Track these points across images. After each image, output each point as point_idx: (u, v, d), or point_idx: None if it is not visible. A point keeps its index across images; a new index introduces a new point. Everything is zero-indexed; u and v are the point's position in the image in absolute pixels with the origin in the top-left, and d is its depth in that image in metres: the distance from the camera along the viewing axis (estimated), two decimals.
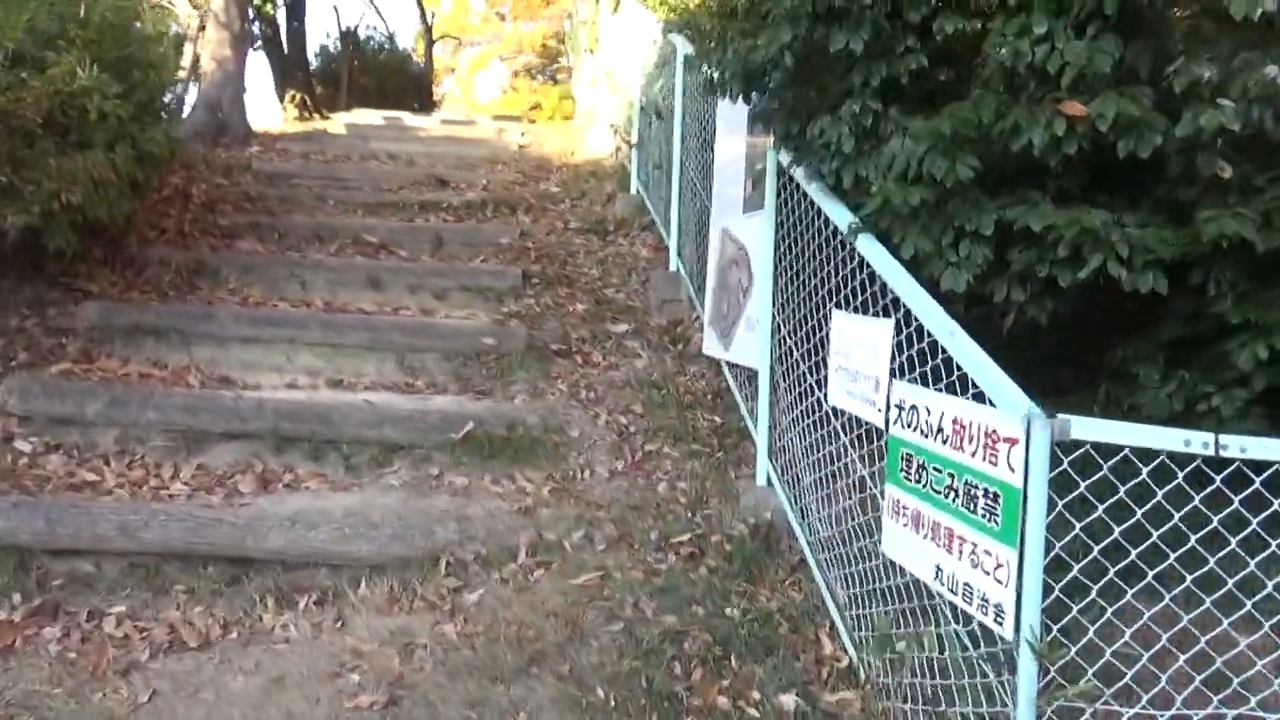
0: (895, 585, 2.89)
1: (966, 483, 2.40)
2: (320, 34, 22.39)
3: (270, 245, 6.47)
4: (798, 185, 3.78)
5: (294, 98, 13.03)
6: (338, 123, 11.60)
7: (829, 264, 3.45)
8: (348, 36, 15.93)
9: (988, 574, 2.31)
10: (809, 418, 3.65)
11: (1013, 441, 2.20)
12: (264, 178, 8.07)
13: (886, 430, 2.88)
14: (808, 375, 3.66)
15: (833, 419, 3.41)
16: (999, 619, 2.25)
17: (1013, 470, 2.20)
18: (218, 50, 8.83)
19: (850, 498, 3.26)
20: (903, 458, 2.75)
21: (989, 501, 2.30)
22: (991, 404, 2.35)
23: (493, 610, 3.38)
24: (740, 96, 3.74)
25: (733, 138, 4.72)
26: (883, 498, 2.87)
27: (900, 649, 2.80)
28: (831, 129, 3.26)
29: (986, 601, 2.31)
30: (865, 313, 3.11)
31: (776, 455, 4.10)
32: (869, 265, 3.09)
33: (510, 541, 3.74)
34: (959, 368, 2.52)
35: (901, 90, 3.22)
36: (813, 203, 3.60)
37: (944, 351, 2.60)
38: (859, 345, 3.11)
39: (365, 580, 3.58)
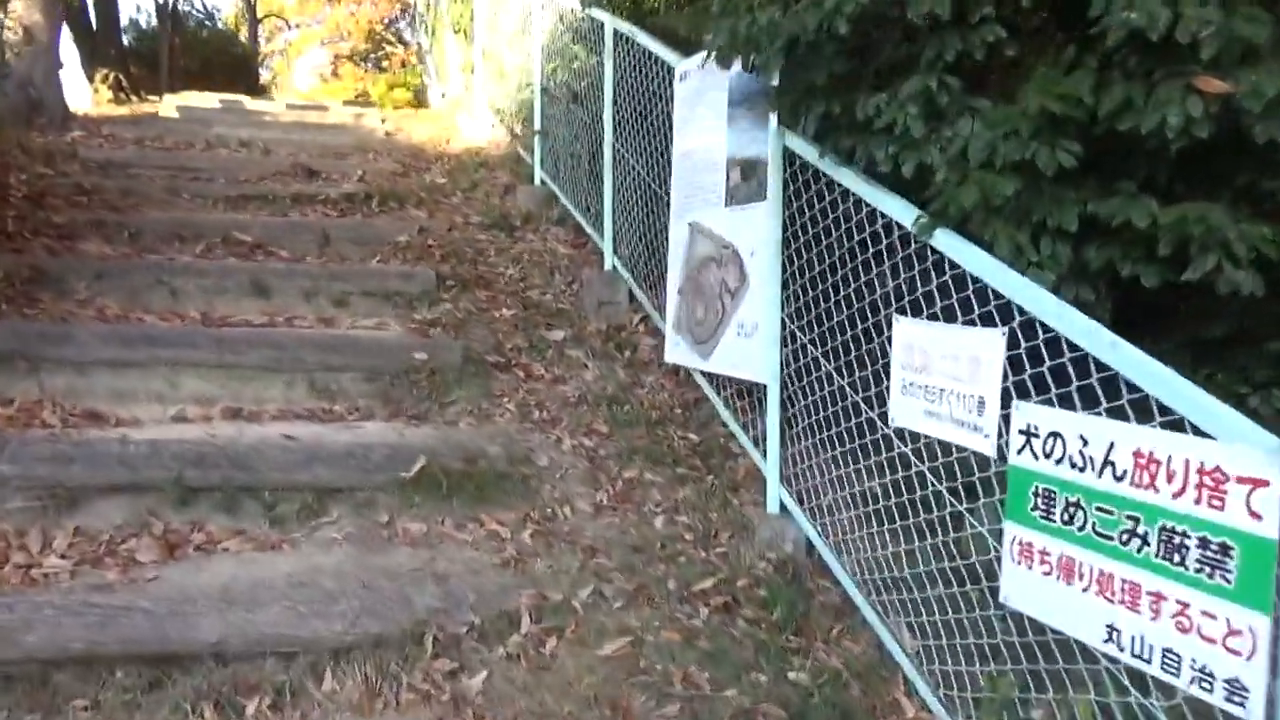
0: (1016, 642, 2.48)
1: (1166, 529, 2.00)
2: (129, 7, 20.12)
3: (122, 246, 5.41)
4: (818, 174, 3.31)
5: (106, 78, 11.49)
6: (168, 105, 10.23)
7: (880, 264, 3.00)
8: (167, 12, 14.24)
9: (1211, 641, 1.91)
10: (848, 441, 3.20)
11: (1259, 484, 1.81)
12: (95, 167, 6.86)
13: (1003, 460, 2.46)
14: (847, 391, 3.20)
15: (889, 444, 2.97)
16: (1235, 698, 1.86)
17: (1259, 518, 1.81)
18: (26, 14, 7.45)
19: (926, 537, 2.83)
20: (1037, 494, 2.33)
21: (1212, 554, 1.90)
22: (1198, 433, 1.95)
23: (508, 699, 2.73)
24: (761, 69, 3.24)
25: (704, 122, 4.20)
26: (998, 539, 2.46)
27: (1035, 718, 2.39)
28: (893, 110, 2.81)
29: (1209, 675, 1.91)
30: (943, 320, 2.67)
31: (793, 480, 3.63)
32: (952, 266, 2.65)
33: (507, 605, 3.08)
34: (1130, 388, 2.12)
35: (974, 66, 2.81)
36: (848, 193, 3.14)
37: (1099, 368, 2.20)
38: (945, 358, 2.68)
39: (331, 669, 2.83)
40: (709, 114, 4.15)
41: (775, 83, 3.54)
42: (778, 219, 3.59)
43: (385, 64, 24.90)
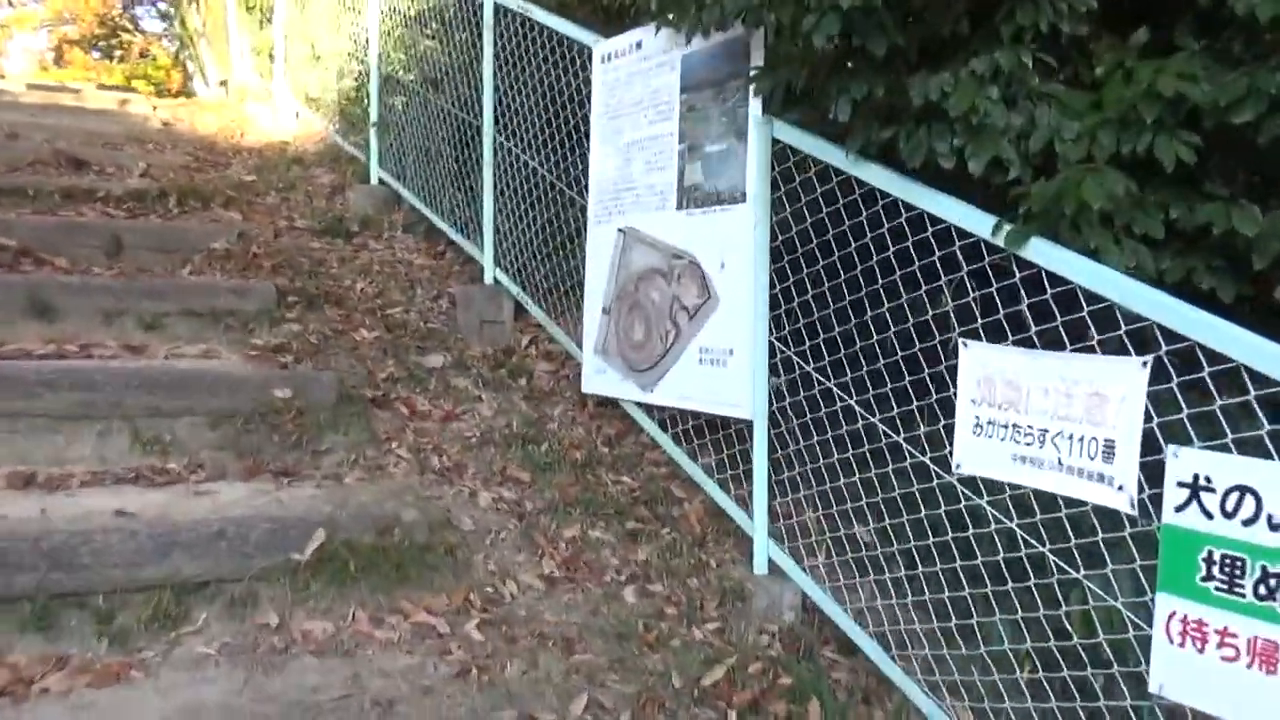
0: None
1: None
2: None
3: None
4: (828, 171, 2.79)
5: None
6: None
7: (929, 280, 2.51)
8: None
9: None
10: (879, 489, 2.68)
11: None
12: None
13: (1147, 517, 2.03)
14: (878, 430, 2.68)
15: (948, 495, 2.48)
16: None
17: None
18: None
19: (1004, 609, 2.36)
20: (1212, 560, 1.90)
21: None
22: None
23: None
24: (797, 37, 2.66)
25: (642, 111, 3.57)
26: (1138, 614, 2.01)
27: None
28: (966, 93, 2.32)
29: None
30: (1040, 347, 2.22)
31: (785, 534, 3.07)
32: (1056, 281, 2.20)
33: None
34: None
35: (1057, 45, 2.39)
36: (874, 194, 2.64)
37: None
38: (1049, 393, 2.21)
39: None
40: (650, 101, 3.53)
41: (758, 62, 2.99)
42: (764, 226, 3.02)
43: (120, 53, 22.22)
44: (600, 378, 3.85)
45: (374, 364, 4.17)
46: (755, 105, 3.05)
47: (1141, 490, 2.03)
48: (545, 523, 3.32)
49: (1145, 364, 2.04)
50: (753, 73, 3.01)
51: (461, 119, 5.06)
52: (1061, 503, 2.21)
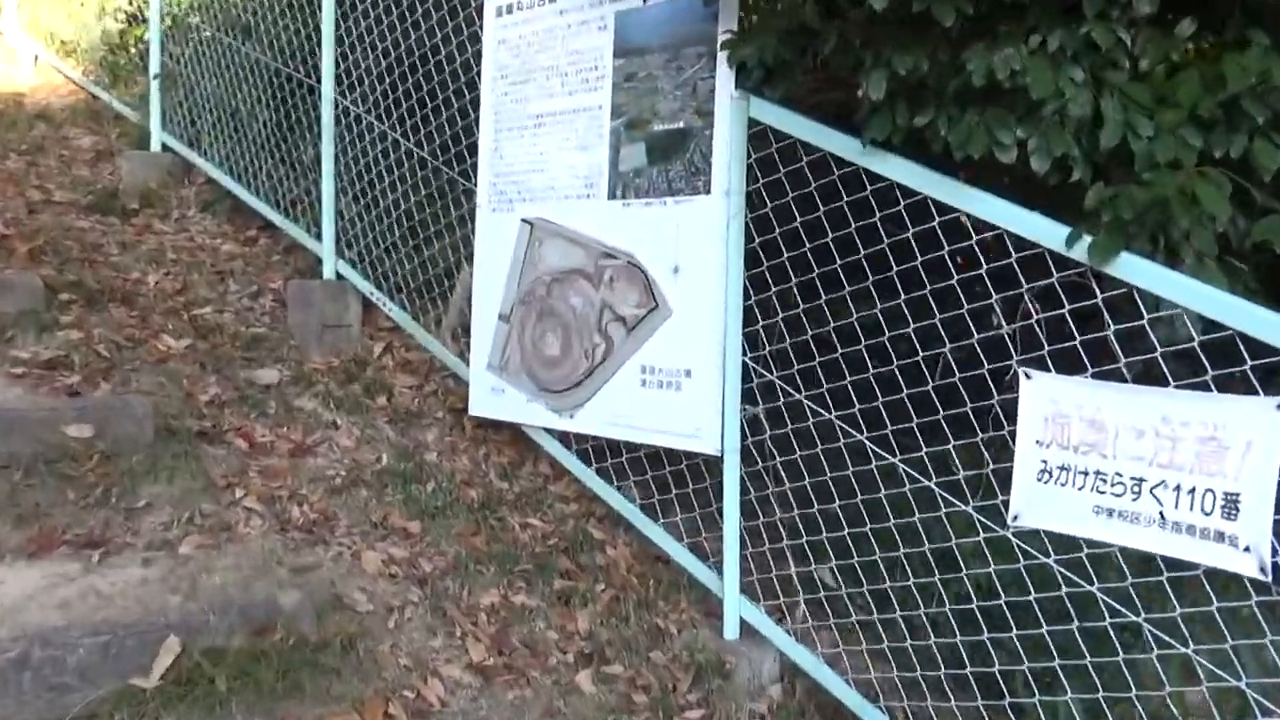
0: None
1: None
2: None
3: None
4: (829, 161, 2.32)
5: None
6: None
7: (971, 296, 2.12)
8: None
9: None
10: (902, 542, 2.26)
11: None
12: None
13: (1277, 580, 1.73)
14: (899, 473, 2.26)
15: (1000, 550, 2.10)
16: None
17: None
18: None
19: (1093, 686, 2.01)
20: None
21: None
22: None
23: None
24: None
25: (558, 76, 2.95)
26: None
27: None
28: (1041, 74, 1.93)
29: None
30: (1130, 379, 1.88)
31: (760, 589, 2.59)
32: (1154, 305, 1.86)
33: None
34: None
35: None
36: (893, 192, 2.20)
37: None
38: (1145, 435, 1.87)
39: None
40: (570, 66, 2.91)
41: (729, 24, 2.47)
42: (739, 223, 2.51)
43: None
44: (496, 399, 3.19)
45: (192, 383, 3.27)
46: (725, 77, 2.52)
47: (1276, 553, 1.73)
48: (454, 589, 2.65)
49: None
50: (723, 37, 2.48)
51: (286, 75, 4.14)
52: (1162, 564, 1.88)
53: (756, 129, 2.48)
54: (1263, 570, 1.76)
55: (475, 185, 3.25)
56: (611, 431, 2.86)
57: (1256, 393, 1.77)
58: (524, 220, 3.07)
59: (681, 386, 2.66)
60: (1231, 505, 1.79)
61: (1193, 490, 1.83)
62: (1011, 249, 2.04)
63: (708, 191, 2.58)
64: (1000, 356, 2.08)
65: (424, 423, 3.49)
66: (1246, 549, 1.77)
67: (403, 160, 3.67)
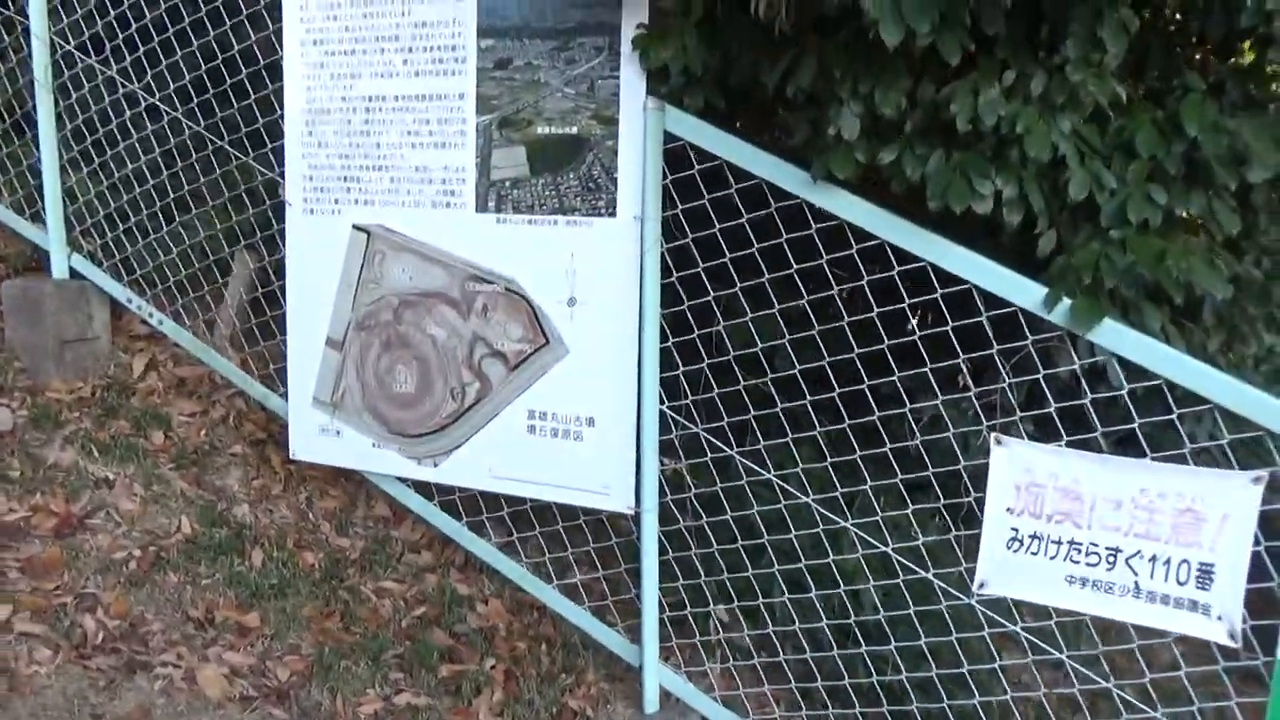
0: None
1: None
2: None
3: None
4: (763, 188, 2.05)
5: None
6: None
7: (946, 350, 1.97)
8: None
9: None
10: (850, 609, 2.13)
11: None
12: None
13: (1249, 649, 1.79)
14: (842, 538, 2.11)
15: (962, 620, 2.02)
16: None
17: None
18: None
19: None
20: None
21: None
22: None
23: None
24: None
25: (389, 51, 2.39)
26: None
27: None
28: (1031, 122, 1.77)
29: None
30: (1129, 451, 1.84)
31: (681, 654, 2.36)
32: (1139, 374, 1.81)
33: None
34: None
35: None
36: (843, 229, 1.98)
37: None
38: (1122, 506, 1.84)
39: None
40: (413, 40, 2.36)
41: (639, 16, 2.09)
42: (655, 254, 2.17)
43: None
44: (329, 442, 2.64)
45: None
46: (634, 79, 2.13)
47: (1245, 621, 1.78)
48: (325, 700, 2.18)
49: (1259, 480, 1.76)
50: (633, 32, 2.09)
51: None
52: (1133, 633, 1.88)
53: (674, 144, 2.13)
54: (1232, 637, 1.80)
55: (280, 176, 2.61)
56: (492, 484, 2.46)
57: (1233, 466, 1.78)
58: (358, 227, 2.51)
59: (583, 436, 2.32)
60: (1206, 575, 1.81)
61: (1169, 560, 1.83)
62: (981, 306, 1.90)
63: (612, 214, 2.20)
64: (968, 420, 1.95)
65: (220, 463, 2.87)
66: (1219, 617, 1.80)
67: (166, 131, 2.88)
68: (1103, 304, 1.82)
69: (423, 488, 2.63)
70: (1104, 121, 1.91)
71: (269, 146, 2.66)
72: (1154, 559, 1.84)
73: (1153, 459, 1.82)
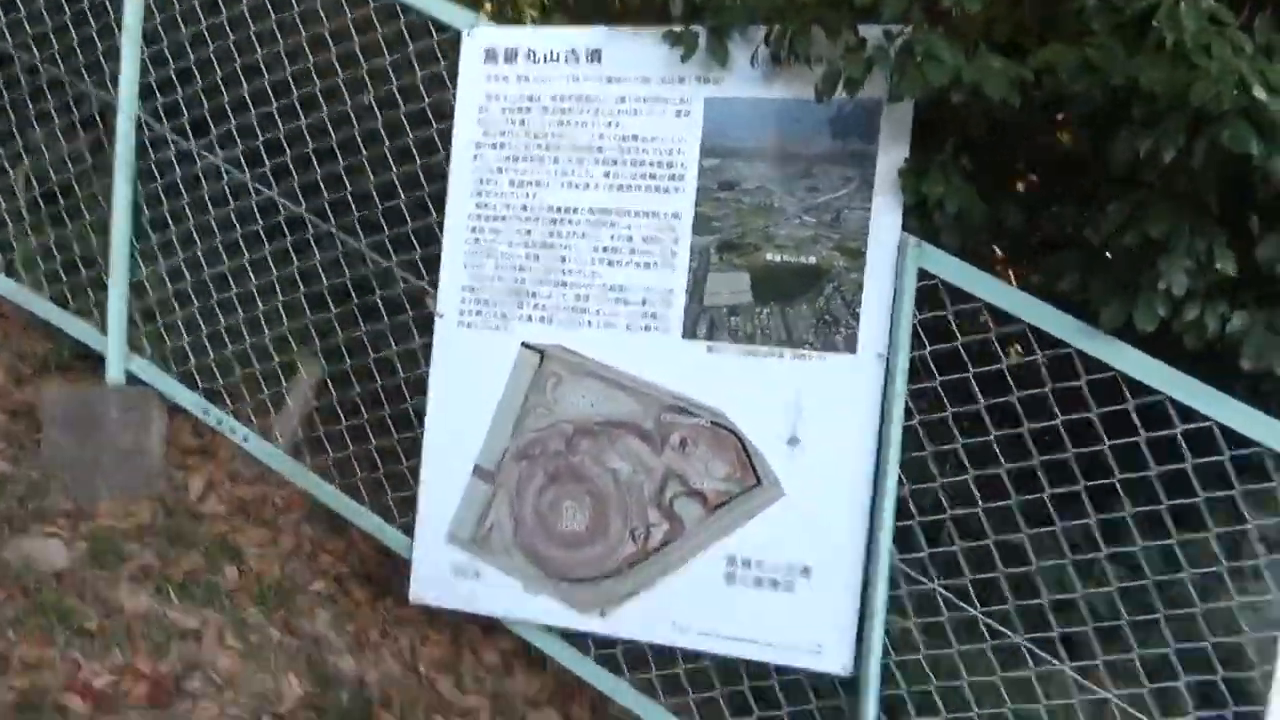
0: None
1: None
2: None
3: None
4: (1027, 334, 1.96)
5: None
6: None
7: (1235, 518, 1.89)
8: None
9: None
10: None
11: None
12: None
13: None
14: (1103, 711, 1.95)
15: None
16: None
17: None
18: None
19: None
20: None
21: None
22: None
23: None
24: None
25: (589, 162, 2.21)
26: None
27: None
28: None
29: None
30: None
31: None
32: None
33: None
34: None
35: None
36: (1117, 381, 1.91)
37: None
38: None
39: None
40: (625, 155, 2.19)
41: (898, 150, 2.01)
42: (900, 398, 2.02)
43: None
44: (464, 584, 2.30)
45: None
46: (888, 212, 2.03)
47: None
48: None
49: None
50: (896, 164, 2.00)
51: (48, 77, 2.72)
52: None
53: (926, 282, 2.02)
54: None
55: (434, 287, 2.34)
56: (674, 638, 2.19)
57: None
58: (528, 346, 2.26)
59: (795, 587, 2.10)
60: None
61: None
62: (1272, 470, 1.85)
63: (851, 350, 2.05)
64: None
65: (303, 604, 2.46)
66: None
67: (260, 211, 2.57)
68: None
69: (573, 638, 2.31)
70: None
71: (418, 253, 2.39)
72: None
73: None
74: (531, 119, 2.26)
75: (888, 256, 2.03)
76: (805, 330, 2.09)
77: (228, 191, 2.63)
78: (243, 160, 2.60)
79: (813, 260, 2.08)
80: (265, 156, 2.58)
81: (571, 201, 2.23)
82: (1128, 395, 1.90)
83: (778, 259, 2.11)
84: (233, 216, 2.61)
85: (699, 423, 2.15)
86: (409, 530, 2.36)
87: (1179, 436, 1.87)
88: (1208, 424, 1.85)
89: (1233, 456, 1.85)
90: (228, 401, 2.62)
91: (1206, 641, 1.89)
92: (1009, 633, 2.01)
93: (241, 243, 2.61)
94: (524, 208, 2.27)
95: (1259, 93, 1.49)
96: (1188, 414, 1.87)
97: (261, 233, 2.61)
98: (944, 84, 1.79)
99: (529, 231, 2.26)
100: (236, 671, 2.12)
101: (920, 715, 2.09)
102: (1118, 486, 1.92)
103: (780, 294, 2.10)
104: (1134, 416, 1.90)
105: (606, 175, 2.21)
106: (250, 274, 2.59)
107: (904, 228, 2.03)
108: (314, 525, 2.70)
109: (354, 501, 2.47)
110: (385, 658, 2.38)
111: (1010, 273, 2.41)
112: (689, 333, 2.16)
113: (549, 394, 2.25)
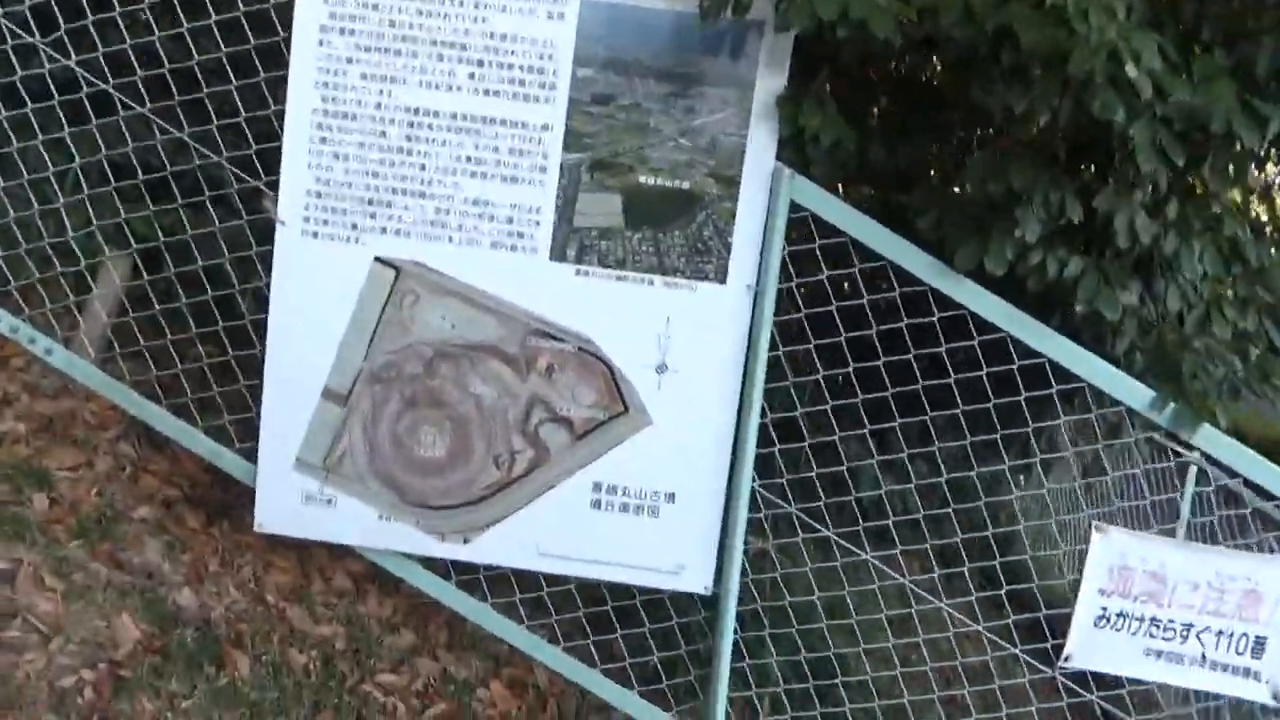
0: None
1: None
2: None
3: None
4: (887, 270, 2.03)
5: None
6: None
7: (1042, 442, 2.07)
8: None
9: None
10: (931, 686, 2.17)
11: None
12: None
13: None
14: (939, 618, 2.15)
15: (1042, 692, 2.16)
16: None
17: None
18: None
19: None
20: None
21: None
22: None
23: None
24: None
25: (440, 60, 2.04)
26: None
27: None
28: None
29: None
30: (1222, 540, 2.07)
31: None
32: (1227, 474, 2.04)
33: None
34: None
35: None
36: (992, 334, 2.02)
37: None
38: (1199, 587, 2.07)
39: None
40: (492, 55, 2.03)
41: (777, 78, 1.98)
42: (766, 328, 2.04)
43: None
44: (315, 512, 2.19)
45: None
46: (765, 141, 2.00)
47: None
48: None
49: None
50: (775, 92, 1.95)
51: None
52: (1192, 696, 2.12)
53: (796, 215, 2.02)
54: (1275, 698, 2.10)
55: (273, 190, 2.11)
56: (539, 563, 2.19)
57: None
58: (381, 260, 2.10)
59: (660, 512, 2.14)
60: (1260, 646, 2.08)
61: (1232, 634, 2.08)
62: (1092, 403, 2.03)
63: (722, 281, 2.05)
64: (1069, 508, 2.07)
65: (128, 533, 2.27)
66: (1266, 681, 2.09)
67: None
68: (1204, 412, 2.01)
69: (431, 562, 2.27)
70: None
71: (253, 149, 2.14)
72: (1220, 633, 2.08)
73: (1230, 546, 2.06)
74: (388, 2, 2.03)
75: (761, 187, 2.01)
76: (677, 258, 2.05)
77: (12, 57, 2.24)
78: (29, 18, 2.22)
79: (686, 186, 2.03)
80: (59, 16, 2.20)
81: (431, 103, 2.05)
82: (973, 332, 2.01)
83: (651, 182, 2.04)
84: (19, 87, 2.23)
85: (566, 348, 2.10)
86: (250, 455, 2.20)
87: (1015, 372, 2.01)
88: (1040, 360, 2.00)
89: (1059, 390, 2.02)
90: (23, 307, 2.31)
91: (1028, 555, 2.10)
92: (858, 551, 2.14)
93: (34, 120, 2.25)
94: (378, 106, 2.06)
95: (1130, 70, 1.55)
96: (1026, 352, 2.01)
97: (59, 109, 2.25)
98: (832, 18, 1.75)
99: (383, 134, 2.07)
100: (61, 615, 1.95)
101: (774, 628, 2.22)
102: (960, 417, 2.06)
103: (653, 219, 2.05)
104: (978, 352, 2.02)
105: (471, 77, 2.03)
106: (46, 158, 2.25)
107: (778, 157, 2.01)
108: (132, 443, 2.48)
109: (185, 423, 2.27)
110: (228, 589, 2.26)
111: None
112: (558, 255, 2.07)
113: (405, 313, 2.12)
